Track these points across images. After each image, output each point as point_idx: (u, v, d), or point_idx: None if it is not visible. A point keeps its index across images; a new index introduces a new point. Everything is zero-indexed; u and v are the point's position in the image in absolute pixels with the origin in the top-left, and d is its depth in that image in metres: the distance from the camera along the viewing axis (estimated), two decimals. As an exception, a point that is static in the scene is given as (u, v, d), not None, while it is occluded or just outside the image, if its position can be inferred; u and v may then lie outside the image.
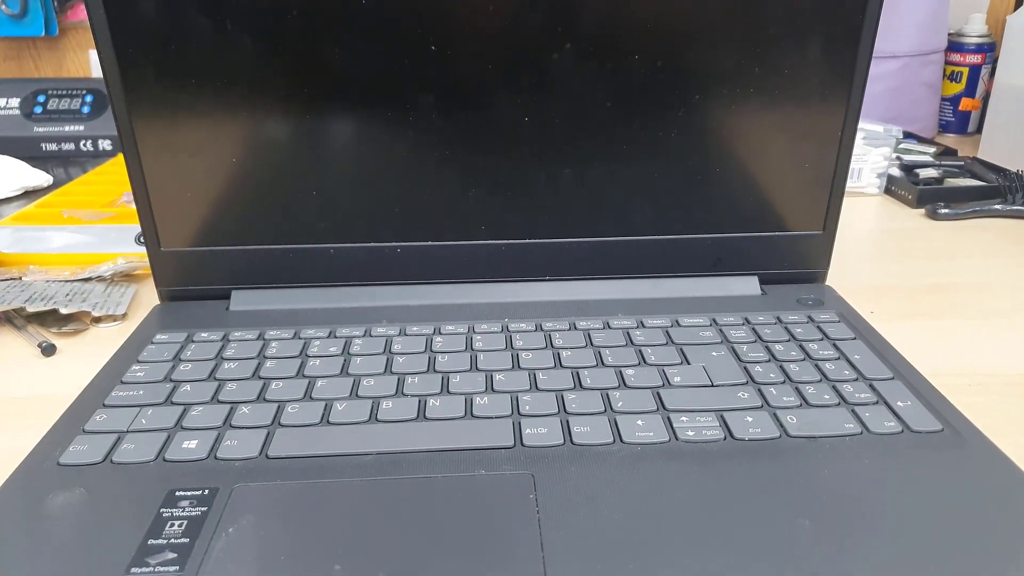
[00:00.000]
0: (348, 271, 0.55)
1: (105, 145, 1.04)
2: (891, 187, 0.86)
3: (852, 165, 0.83)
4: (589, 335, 0.50)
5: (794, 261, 0.57)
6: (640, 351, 0.48)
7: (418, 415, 0.42)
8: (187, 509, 0.35)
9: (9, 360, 0.52)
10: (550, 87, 0.51)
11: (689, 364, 0.47)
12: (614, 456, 0.39)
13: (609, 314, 0.53)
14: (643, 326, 0.51)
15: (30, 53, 1.17)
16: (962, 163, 0.91)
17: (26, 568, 0.32)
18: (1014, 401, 0.46)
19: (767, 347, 0.48)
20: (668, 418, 0.41)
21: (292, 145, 0.52)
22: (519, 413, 0.42)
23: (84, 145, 1.03)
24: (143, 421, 0.42)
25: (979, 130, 1.08)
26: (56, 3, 1.13)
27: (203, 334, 0.51)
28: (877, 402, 0.43)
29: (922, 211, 0.81)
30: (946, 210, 0.78)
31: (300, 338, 0.50)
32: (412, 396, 0.44)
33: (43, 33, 1.13)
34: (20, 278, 0.62)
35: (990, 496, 0.36)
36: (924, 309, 0.59)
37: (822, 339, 0.50)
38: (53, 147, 1.03)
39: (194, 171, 0.52)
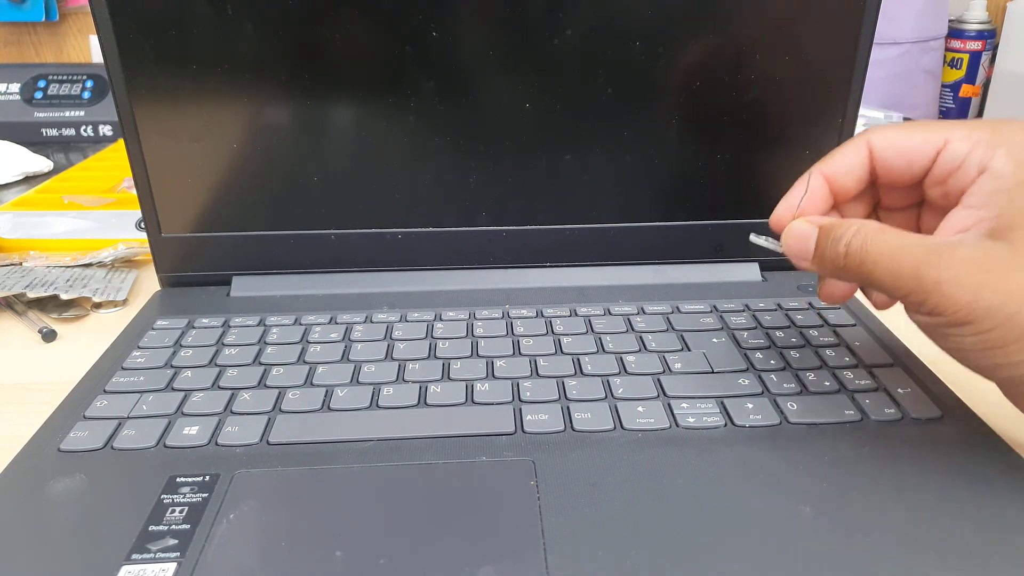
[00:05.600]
0: (349, 257, 0.55)
1: (106, 131, 1.04)
2: (892, 174, 0.86)
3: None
4: (590, 321, 0.50)
5: (795, 248, 0.57)
6: (641, 337, 0.48)
7: (419, 401, 0.42)
8: (188, 495, 0.35)
9: (10, 346, 0.52)
10: (551, 73, 0.51)
11: (690, 350, 0.47)
12: (615, 442, 0.39)
13: (610, 300, 0.53)
14: (644, 312, 0.51)
15: (30, 38, 1.17)
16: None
17: (27, 554, 0.32)
18: (1014, 388, 0.46)
19: (767, 333, 0.48)
20: (669, 404, 0.41)
21: (293, 130, 0.52)
22: (520, 399, 0.42)
23: (84, 130, 1.03)
24: (144, 407, 0.42)
25: (979, 117, 1.07)
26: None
27: (204, 320, 0.51)
28: (877, 389, 0.43)
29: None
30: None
31: (301, 324, 0.50)
32: (413, 382, 0.44)
33: (43, 18, 1.12)
34: (20, 264, 0.62)
35: (989, 483, 0.36)
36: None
37: (822, 325, 0.50)
38: (53, 132, 1.03)
39: (195, 157, 0.52)
